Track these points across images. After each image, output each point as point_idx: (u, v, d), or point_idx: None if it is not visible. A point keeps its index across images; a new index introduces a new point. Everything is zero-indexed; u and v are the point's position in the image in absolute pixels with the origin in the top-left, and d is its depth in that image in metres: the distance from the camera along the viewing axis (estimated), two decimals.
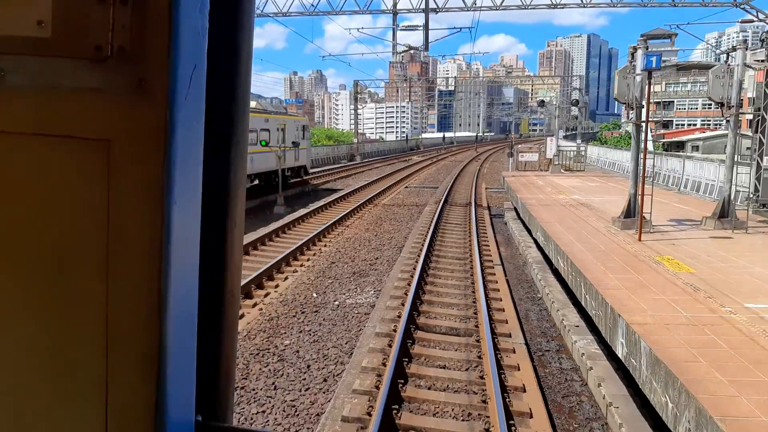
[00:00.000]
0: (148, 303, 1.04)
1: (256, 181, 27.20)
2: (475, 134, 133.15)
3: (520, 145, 48.93)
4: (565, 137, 62.39)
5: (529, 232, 17.45)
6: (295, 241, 16.32)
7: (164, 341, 1.04)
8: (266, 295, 11.68)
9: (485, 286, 12.03)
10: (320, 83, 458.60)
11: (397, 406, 6.79)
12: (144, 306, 1.04)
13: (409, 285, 11.66)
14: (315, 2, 31.28)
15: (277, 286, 12.42)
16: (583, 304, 9.94)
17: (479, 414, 6.79)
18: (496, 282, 12.91)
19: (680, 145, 47.16)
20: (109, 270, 1.05)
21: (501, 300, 11.54)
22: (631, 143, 16.00)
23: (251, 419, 6.73)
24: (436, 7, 30.55)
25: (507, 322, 10.16)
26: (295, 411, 6.91)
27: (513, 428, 6.42)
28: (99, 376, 1.08)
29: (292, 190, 28.41)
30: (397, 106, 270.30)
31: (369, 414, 6.50)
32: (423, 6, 30.29)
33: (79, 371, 1.09)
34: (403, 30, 34.47)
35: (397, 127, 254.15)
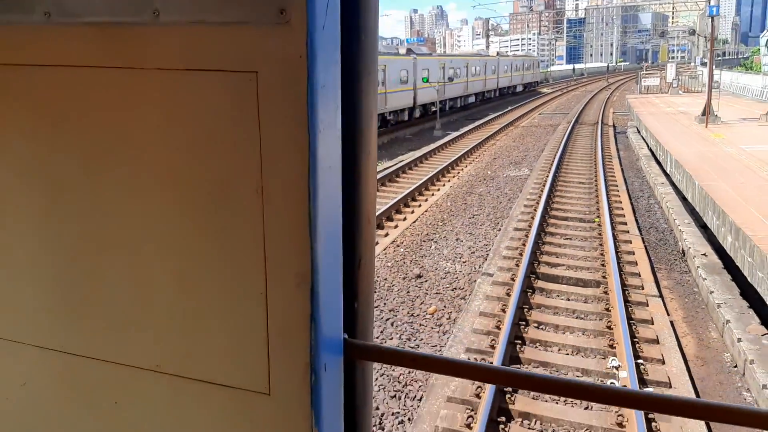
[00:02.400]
0: (300, 225, 1.09)
1: (417, 112, 34.03)
2: (606, 65, 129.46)
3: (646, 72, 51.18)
4: (703, 63, 62.37)
5: (644, 139, 22.64)
6: (461, 149, 22.88)
7: (316, 261, 1.09)
8: (457, 174, 18.46)
9: (605, 171, 17.85)
10: (441, 19, 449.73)
11: (547, 207, 13.27)
12: (297, 228, 1.09)
13: (551, 165, 17.85)
14: None
15: (461, 169, 19.16)
16: (662, 164, 15.81)
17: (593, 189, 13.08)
18: (612, 168, 18.63)
19: None
20: (264, 193, 1.11)
21: (616, 175, 17.39)
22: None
23: (471, 208, 13.52)
24: None
25: (619, 188, 16.08)
26: (496, 212, 13.61)
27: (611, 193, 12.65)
28: (259, 290, 1.15)
29: (447, 117, 34.84)
30: (522, 38, 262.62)
31: (535, 209, 13.00)
32: None
33: (241, 284, 1.17)
34: None
35: None
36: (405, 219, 13.06)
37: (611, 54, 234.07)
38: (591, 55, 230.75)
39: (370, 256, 1.28)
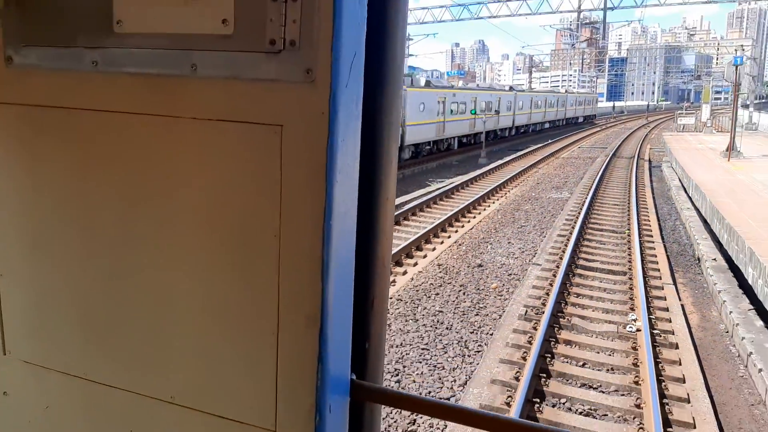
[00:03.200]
0: (313, 268, 1.15)
1: (465, 140, 36.77)
2: (647, 103, 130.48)
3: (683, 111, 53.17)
4: (745, 106, 64.00)
5: (675, 171, 24.81)
6: (506, 174, 25.37)
7: (326, 303, 1.15)
8: (504, 194, 20.97)
9: (638, 196, 20.09)
10: (482, 53, 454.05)
11: (585, 221, 15.64)
12: (309, 270, 1.15)
13: (589, 190, 20.21)
14: None
15: (508, 191, 21.66)
16: (686, 189, 18.09)
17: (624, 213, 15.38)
18: (646, 198, 20.86)
19: None
20: (282, 240, 1.18)
21: (647, 200, 19.64)
22: None
23: (519, 221, 15.98)
24: None
25: (648, 210, 18.32)
26: (541, 224, 16.04)
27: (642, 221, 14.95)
28: (271, 330, 1.21)
29: (490, 147, 37.43)
30: (563, 75, 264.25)
31: (575, 222, 15.37)
32: None
33: (254, 324, 1.24)
34: None
35: None
36: (463, 226, 15.60)
37: (653, 93, 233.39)
38: (632, 93, 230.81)
39: (384, 297, 1.33)
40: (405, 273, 11.35)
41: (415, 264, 11.98)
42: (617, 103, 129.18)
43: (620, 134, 52.50)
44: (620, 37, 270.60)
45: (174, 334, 1.35)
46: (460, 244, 13.74)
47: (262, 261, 1.21)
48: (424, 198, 18.35)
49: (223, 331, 1.28)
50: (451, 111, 32.45)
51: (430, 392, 6.90)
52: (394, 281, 10.85)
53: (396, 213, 16.57)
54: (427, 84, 32.43)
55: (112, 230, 1.38)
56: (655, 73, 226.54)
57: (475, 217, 16.75)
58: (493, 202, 19.20)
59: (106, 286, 1.41)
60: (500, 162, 30.00)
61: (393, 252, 12.28)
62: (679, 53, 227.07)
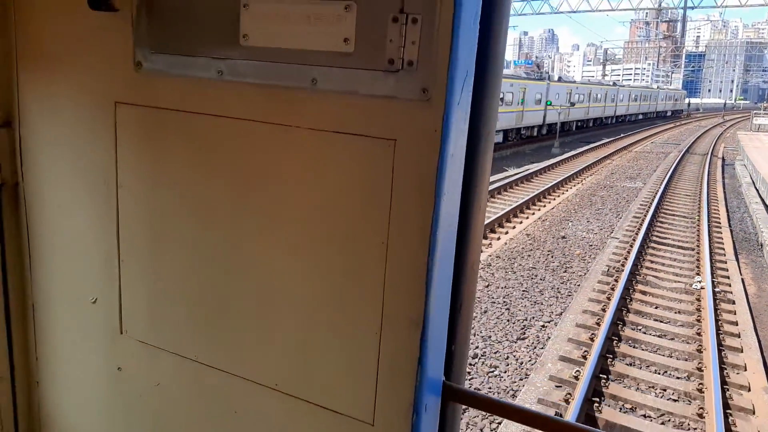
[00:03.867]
0: (418, 276, 1.21)
1: (544, 130, 38.40)
2: (723, 101, 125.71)
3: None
4: None
5: (746, 168, 25.67)
6: (580, 165, 26.87)
7: (428, 308, 1.21)
8: (581, 181, 22.64)
9: (709, 189, 21.33)
10: (551, 43, 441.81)
11: (659, 208, 17.28)
12: (414, 278, 1.21)
13: (662, 181, 21.64)
14: None
15: (584, 179, 23.31)
16: (755, 183, 19.31)
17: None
18: (717, 191, 22.06)
19: None
20: (389, 247, 1.24)
21: (717, 193, 20.92)
22: None
23: (596, 205, 17.76)
24: None
25: (718, 201, 19.65)
26: (617, 207, 17.77)
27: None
28: (374, 330, 1.28)
29: (565, 137, 38.74)
30: (636, 68, 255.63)
31: (649, 207, 17.03)
32: None
33: (358, 323, 1.30)
34: None
35: None
36: (545, 206, 17.55)
37: (731, 91, 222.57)
38: (709, 90, 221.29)
39: (470, 302, 1.38)
40: (499, 239, 13.51)
41: (507, 233, 14.11)
42: (693, 100, 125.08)
43: (694, 132, 52.24)
44: (699, 31, 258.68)
45: (281, 326, 1.43)
46: (544, 220, 15.75)
47: (369, 266, 1.28)
48: (507, 180, 20.35)
49: (329, 328, 1.36)
50: (573, 101, 42.97)
51: (533, 318, 9.07)
52: (490, 244, 13.04)
53: (491, 187, 18.72)
54: (559, 79, 45.11)
55: (227, 226, 1.46)
56: (734, 70, 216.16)
57: (555, 199, 18.65)
58: (570, 189, 20.97)
59: (219, 276, 1.50)
60: (573, 153, 31.40)
61: (498, 214, 14.55)
62: (761, 51, 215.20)
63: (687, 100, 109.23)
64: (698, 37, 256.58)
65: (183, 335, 1.60)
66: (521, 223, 15.21)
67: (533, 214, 16.39)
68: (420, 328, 1.22)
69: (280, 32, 1.31)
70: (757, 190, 19.38)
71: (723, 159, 32.16)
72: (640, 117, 66.09)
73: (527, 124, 36.16)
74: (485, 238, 13.61)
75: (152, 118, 1.55)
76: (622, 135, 43.88)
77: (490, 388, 6.90)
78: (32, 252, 1.85)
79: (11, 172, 1.82)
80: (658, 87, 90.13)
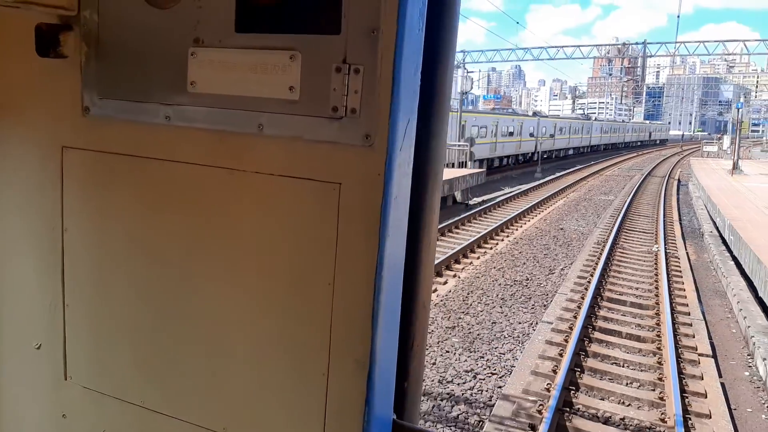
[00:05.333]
0: (364, 315, 1.22)
1: (521, 158, 44.40)
2: (682, 133, 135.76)
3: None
4: None
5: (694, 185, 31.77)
6: (562, 184, 32.55)
7: (375, 348, 1.21)
8: (564, 197, 28.22)
9: (665, 200, 27.08)
10: (518, 78, 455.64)
11: (627, 211, 22.90)
12: (360, 317, 1.23)
13: (627, 196, 27.41)
14: None
15: (567, 195, 28.93)
16: (696, 193, 25.24)
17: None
18: (671, 202, 27.88)
19: None
20: (335, 288, 1.26)
21: (672, 203, 26.73)
22: None
23: (579, 211, 23.26)
24: None
25: (672, 207, 25.37)
26: (596, 212, 23.31)
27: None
28: (321, 371, 1.28)
29: (544, 164, 44.82)
30: (600, 102, 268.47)
31: (620, 210, 22.60)
32: None
33: (305, 365, 1.30)
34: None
35: None
36: (543, 211, 22.95)
37: (690, 123, 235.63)
38: (669, 122, 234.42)
39: (423, 339, 1.39)
40: (517, 229, 18.80)
41: (521, 226, 19.42)
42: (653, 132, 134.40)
43: (655, 159, 59.20)
44: (658, 66, 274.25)
45: (227, 369, 1.43)
46: (544, 219, 21.15)
47: (316, 307, 1.29)
48: (509, 194, 25.78)
49: (275, 370, 1.36)
50: (561, 130, 53.44)
51: (552, 267, 14.25)
52: (512, 232, 18.29)
53: (495, 200, 24.13)
54: (543, 115, 56.04)
55: (174, 269, 1.48)
56: (692, 103, 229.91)
57: (548, 208, 24.10)
58: (557, 202, 26.52)
59: (165, 320, 1.51)
60: (552, 177, 37.24)
61: (510, 216, 19.85)
62: (717, 85, 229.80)
63: (649, 132, 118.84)
64: (658, 72, 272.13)
65: (129, 380, 1.58)
66: (530, 221, 20.57)
67: (536, 216, 21.80)
68: (366, 368, 1.23)
69: (227, 79, 1.34)
70: (700, 197, 25.24)
71: (678, 180, 38.39)
72: (638, 144, 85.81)
73: (524, 151, 44.16)
74: (510, 227, 18.86)
75: (100, 162, 1.55)
76: (592, 162, 50.22)
77: (540, 293, 12.00)
78: None
79: None
80: (650, 122, 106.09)
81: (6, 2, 1.34)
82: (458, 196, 24.11)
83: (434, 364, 8.17)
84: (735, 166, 28.74)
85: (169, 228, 1.49)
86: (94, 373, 1.63)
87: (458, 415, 6.74)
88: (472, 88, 49.60)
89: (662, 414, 6.88)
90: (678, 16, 51.80)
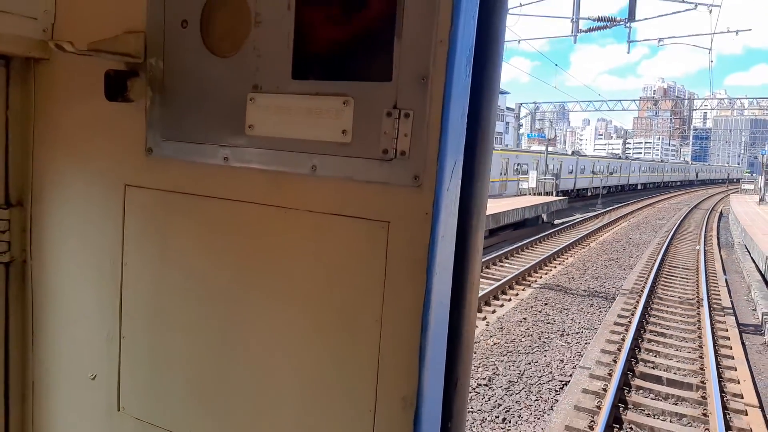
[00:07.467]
0: (411, 353, 1.22)
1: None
2: (727, 174, 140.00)
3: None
4: None
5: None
6: (623, 212, 39.87)
7: (422, 385, 1.20)
8: (626, 221, 35.70)
9: (706, 230, 34.16)
10: (563, 117, 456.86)
11: (675, 234, 30.39)
12: (407, 354, 1.22)
13: (670, 231, 34.68)
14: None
15: (628, 219, 36.39)
16: (731, 217, 32.68)
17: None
18: (713, 225, 34.98)
19: None
20: (383, 324, 1.26)
21: (713, 227, 33.99)
22: None
23: (642, 229, 30.80)
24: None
25: (712, 229, 32.62)
26: (651, 233, 30.83)
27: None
28: (369, 408, 1.27)
29: (605, 198, 52.32)
30: (646, 142, 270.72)
31: (669, 233, 30.03)
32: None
33: (353, 401, 1.29)
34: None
35: None
36: (612, 229, 30.55)
37: (738, 164, 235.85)
38: (717, 163, 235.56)
39: (466, 378, 1.37)
40: (595, 241, 26.53)
41: (600, 237, 27.17)
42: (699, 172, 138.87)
43: (702, 196, 65.81)
44: (706, 106, 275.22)
45: (274, 403, 1.44)
46: (617, 233, 28.87)
47: (364, 343, 1.29)
48: (581, 218, 33.51)
49: (322, 406, 1.36)
50: (636, 169, 69.91)
51: (627, 259, 21.94)
52: (589, 245, 26.05)
53: (576, 221, 31.96)
54: (618, 157, 70.21)
55: (226, 305, 1.50)
56: (740, 144, 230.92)
57: (617, 227, 31.75)
58: (623, 222, 34.05)
59: (216, 354, 1.53)
60: (610, 207, 44.66)
61: (590, 229, 27.60)
62: (765, 126, 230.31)
63: (697, 173, 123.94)
64: (705, 113, 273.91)
65: (180, 412, 1.60)
66: (607, 233, 28.31)
67: (609, 231, 29.55)
68: (414, 406, 1.22)
69: (283, 123, 1.38)
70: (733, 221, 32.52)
71: (720, 213, 45.31)
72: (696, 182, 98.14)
73: (580, 187, 52.73)
74: (590, 237, 26.50)
75: (160, 200, 1.59)
76: (640, 198, 57.27)
77: (626, 266, 19.72)
78: (35, 329, 1.84)
79: (20, 250, 1.82)
80: (661, 160, 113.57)
81: (81, 51, 1.46)
82: (544, 218, 31.99)
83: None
84: (761, 199, 35.72)
85: (224, 264, 1.52)
86: (147, 404, 1.67)
87: None
88: (546, 131, 57.54)
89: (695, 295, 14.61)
90: (711, 61, 58.48)
